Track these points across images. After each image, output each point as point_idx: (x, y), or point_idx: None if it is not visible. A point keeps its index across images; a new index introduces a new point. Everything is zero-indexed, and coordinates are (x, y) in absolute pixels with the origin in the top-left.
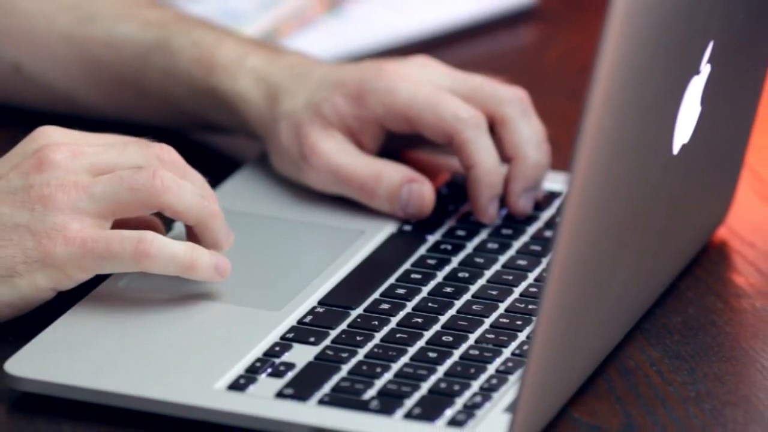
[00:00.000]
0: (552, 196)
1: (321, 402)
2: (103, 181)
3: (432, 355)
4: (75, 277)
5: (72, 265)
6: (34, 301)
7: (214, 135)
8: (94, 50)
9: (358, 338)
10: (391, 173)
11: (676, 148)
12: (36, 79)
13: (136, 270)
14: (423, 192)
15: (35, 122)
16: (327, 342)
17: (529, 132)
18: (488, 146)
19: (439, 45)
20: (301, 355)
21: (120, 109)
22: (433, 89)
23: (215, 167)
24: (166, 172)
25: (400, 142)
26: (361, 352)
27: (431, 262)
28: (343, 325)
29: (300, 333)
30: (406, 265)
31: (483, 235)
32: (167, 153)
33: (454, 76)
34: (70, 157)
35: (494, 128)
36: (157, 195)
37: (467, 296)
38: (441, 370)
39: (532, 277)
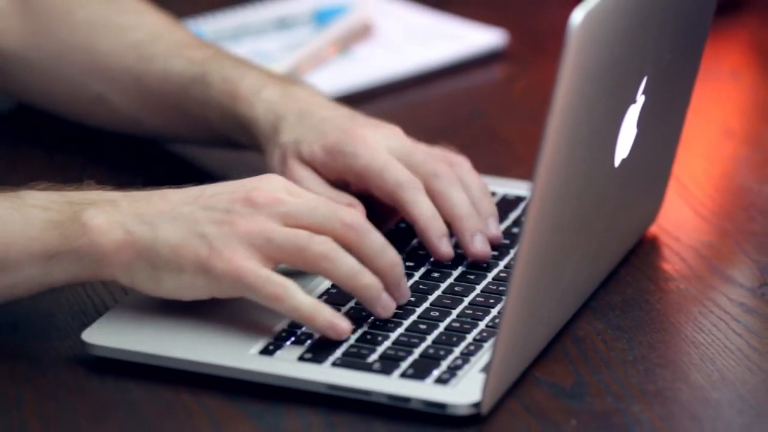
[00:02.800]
0: (518, 200)
1: (334, 364)
2: (282, 232)
3: (422, 326)
4: (226, 293)
5: (225, 283)
6: (189, 297)
7: (240, 153)
8: (152, 83)
9: (363, 313)
10: (341, 199)
11: (617, 162)
12: (113, 107)
13: (267, 306)
14: None
15: (109, 139)
16: None
17: (456, 197)
18: (424, 202)
19: (426, 80)
20: None
21: (172, 131)
22: (386, 158)
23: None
24: (331, 243)
25: None
26: (366, 324)
27: (421, 252)
28: (351, 303)
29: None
30: (402, 255)
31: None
32: (351, 217)
33: (408, 147)
34: (271, 203)
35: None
36: (316, 260)
37: (450, 280)
38: (430, 338)
39: (502, 264)
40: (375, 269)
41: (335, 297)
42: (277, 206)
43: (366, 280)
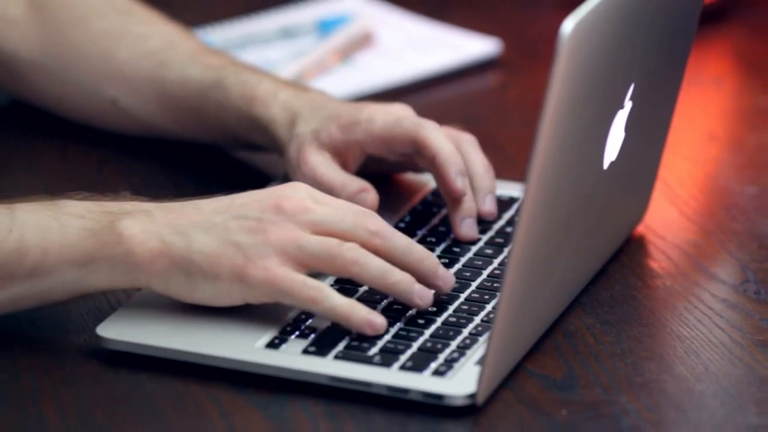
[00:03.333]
0: (511, 201)
1: (336, 357)
2: (312, 240)
3: (421, 321)
4: (260, 299)
5: (260, 290)
6: (225, 304)
7: (250, 154)
8: (169, 88)
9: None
10: (353, 184)
11: (605, 165)
12: (127, 111)
13: (304, 309)
14: (367, 199)
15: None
16: None
17: (477, 157)
18: (445, 139)
19: (424, 87)
20: (321, 321)
21: (188, 133)
22: (399, 116)
23: (252, 180)
24: (358, 249)
25: (390, 167)
26: None
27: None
28: (353, 299)
29: None
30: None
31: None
32: (375, 224)
33: (421, 119)
34: (299, 211)
35: None
36: (346, 266)
37: None
38: (427, 332)
39: (496, 262)
40: (406, 268)
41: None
42: (305, 214)
43: (396, 278)
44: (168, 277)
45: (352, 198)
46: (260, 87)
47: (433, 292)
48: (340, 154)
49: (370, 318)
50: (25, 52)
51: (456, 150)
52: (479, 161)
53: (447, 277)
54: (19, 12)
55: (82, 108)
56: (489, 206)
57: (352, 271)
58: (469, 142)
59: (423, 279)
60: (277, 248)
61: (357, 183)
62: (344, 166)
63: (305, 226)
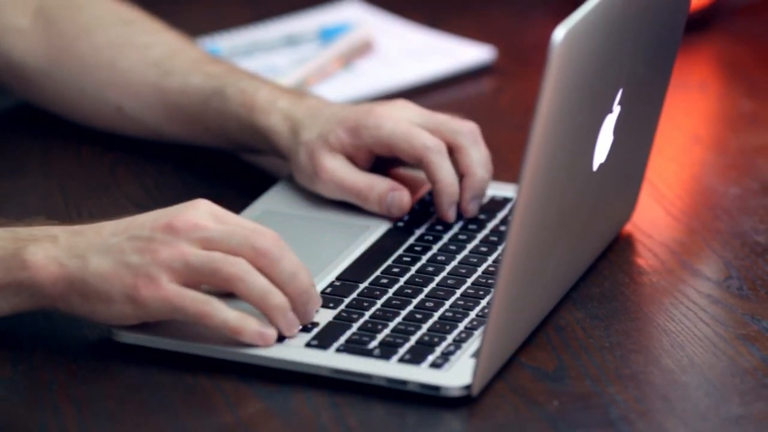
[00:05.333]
0: (505, 201)
1: (338, 350)
2: (197, 255)
3: (418, 316)
4: (155, 317)
5: (153, 308)
6: (122, 323)
7: (257, 156)
8: (171, 97)
9: (364, 304)
10: (380, 183)
11: (595, 166)
12: (133, 118)
13: (197, 324)
14: (402, 197)
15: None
16: (342, 306)
17: (477, 155)
18: (448, 167)
19: (421, 92)
20: (324, 315)
21: (191, 139)
22: (408, 125)
23: (260, 181)
24: (244, 265)
25: (388, 163)
26: (367, 314)
27: (417, 248)
28: (354, 294)
29: (322, 300)
30: (399, 251)
31: (455, 229)
32: (263, 242)
33: (424, 114)
34: (190, 229)
35: (452, 154)
36: (230, 281)
37: (444, 273)
38: (425, 326)
39: (490, 259)
40: (285, 293)
41: (338, 289)
42: (195, 232)
43: (275, 301)
44: (67, 300)
45: (384, 198)
46: (259, 95)
47: (299, 323)
48: (351, 157)
49: (262, 330)
50: (32, 61)
51: (455, 180)
52: (476, 159)
53: (311, 315)
54: (26, 22)
55: (89, 114)
56: (472, 210)
57: (235, 286)
58: (469, 136)
59: (295, 308)
60: (165, 266)
61: (385, 183)
62: (356, 167)
63: (195, 244)
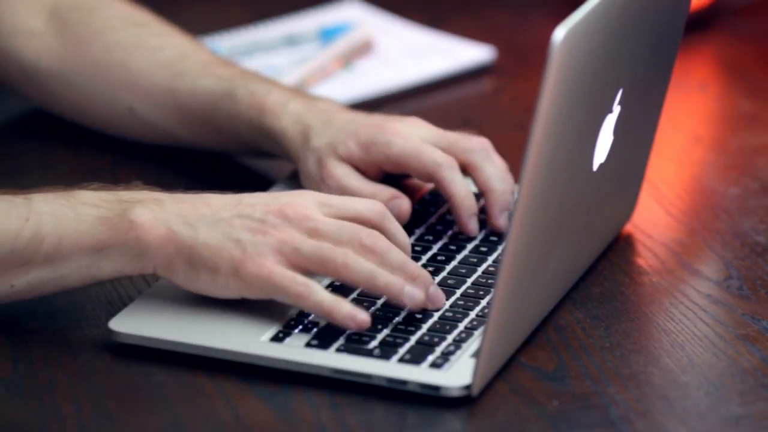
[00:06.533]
0: None
1: (338, 350)
2: (308, 244)
3: (418, 315)
4: (255, 294)
5: (255, 285)
6: (222, 296)
7: (262, 159)
8: (182, 99)
9: (365, 303)
10: (383, 192)
11: (595, 166)
12: (144, 119)
13: (293, 304)
14: (401, 205)
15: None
16: None
17: (492, 170)
18: (460, 181)
19: (421, 92)
20: None
21: (201, 142)
22: (418, 142)
23: (260, 181)
24: (350, 254)
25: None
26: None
27: (418, 248)
28: (354, 294)
29: None
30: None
31: (455, 229)
32: (370, 238)
33: (436, 133)
34: (301, 218)
35: (468, 172)
36: (337, 270)
37: (444, 273)
38: (425, 327)
39: (490, 259)
40: None
41: (338, 289)
42: (306, 222)
43: (384, 280)
44: (172, 265)
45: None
46: (269, 97)
47: (423, 293)
48: (359, 170)
49: (354, 313)
50: (45, 63)
51: (469, 192)
52: (494, 174)
53: (435, 296)
54: (40, 24)
55: (101, 116)
56: (503, 224)
57: (342, 274)
58: (481, 153)
59: None
60: (273, 248)
61: (387, 191)
62: (367, 176)
63: (304, 232)
